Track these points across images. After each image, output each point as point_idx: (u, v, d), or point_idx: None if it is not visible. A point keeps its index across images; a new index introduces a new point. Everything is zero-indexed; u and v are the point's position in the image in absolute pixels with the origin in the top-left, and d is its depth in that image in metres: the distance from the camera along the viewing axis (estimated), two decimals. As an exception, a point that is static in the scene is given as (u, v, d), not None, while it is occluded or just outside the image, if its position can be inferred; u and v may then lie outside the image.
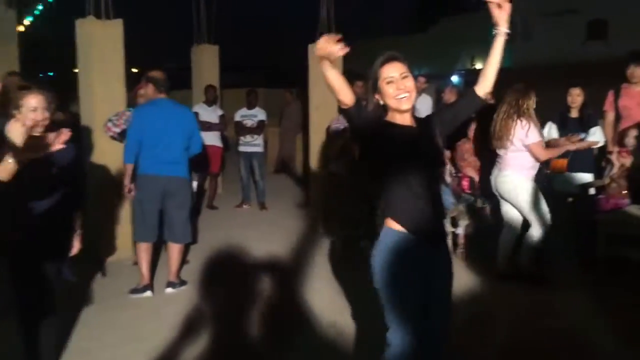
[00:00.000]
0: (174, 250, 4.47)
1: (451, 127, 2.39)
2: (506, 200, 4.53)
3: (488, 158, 4.83)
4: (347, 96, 2.14)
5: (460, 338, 3.38)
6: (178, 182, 4.38)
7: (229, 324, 3.78)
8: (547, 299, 4.18)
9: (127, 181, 4.26)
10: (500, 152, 4.46)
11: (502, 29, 2.21)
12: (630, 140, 4.94)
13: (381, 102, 2.28)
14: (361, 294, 4.26)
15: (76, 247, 2.99)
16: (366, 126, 2.24)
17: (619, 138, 5.18)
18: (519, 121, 4.30)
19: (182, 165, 4.39)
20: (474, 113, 2.53)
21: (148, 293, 4.33)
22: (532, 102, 4.38)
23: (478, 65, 37.89)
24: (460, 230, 5.22)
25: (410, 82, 2.24)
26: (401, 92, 2.22)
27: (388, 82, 2.23)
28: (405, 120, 2.29)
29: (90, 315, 3.92)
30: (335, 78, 2.11)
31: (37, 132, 2.59)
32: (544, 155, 4.39)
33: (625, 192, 4.79)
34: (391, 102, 2.24)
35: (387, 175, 2.29)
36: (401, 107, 2.24)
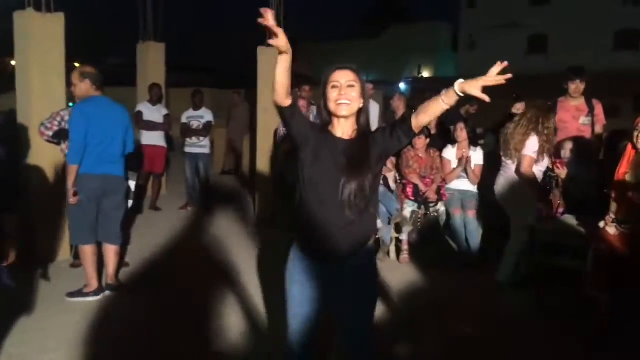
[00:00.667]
0: (112, 251, 4.35)
1: (386, 155, 2.37)
2: (505, 207, 4.67)
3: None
4: (285, 94, 2.17)
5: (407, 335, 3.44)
6: (116, 182, 4.27)
7: (167, 328, 3.70)
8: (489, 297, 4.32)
9: (72, 184, 4.00)
10: (508, 161, 4.58)
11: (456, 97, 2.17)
12: (565, 153, 5.14)
13: (327, 107, 2.30)
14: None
15: (11, 255, 2.80)
16: (298, 129, 2.26)
17: (555, 150, 5.39)
18: (532, 137, 4.41)
19: (120, 164, 4.29)
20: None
21: (99, 296, 4.20)
22: (551, 124, 4.50)
23: (425, 74, 38.76)
24: (404, 236, 5.31)
25: (354, 93, 2.25)
26: (342, 98, 2.23)
27: (333, 87, 2.26)
28: (344, 131, 2.30)
29: (26, 319, 3.77)
30: (284, 73, 2.13)
31: None
32: (526, 173, 4.45)
33: (560, 202, 4.98)
34: (331, 106, 2.26)
35: (303, 184, 2.29)
36: (338, 112, 2.25)
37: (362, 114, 2.32)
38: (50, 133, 4.64)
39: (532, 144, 4.45)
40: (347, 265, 2.31)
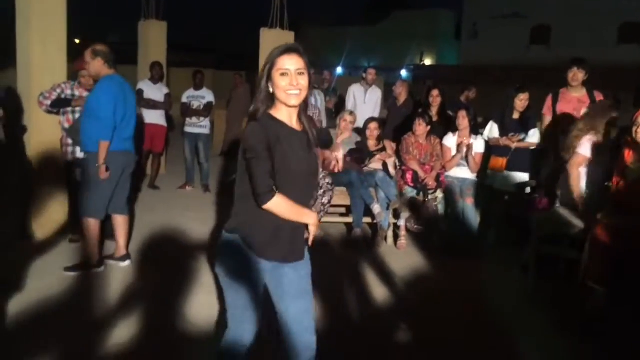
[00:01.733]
0: (122, 222, 4.45)
1: None
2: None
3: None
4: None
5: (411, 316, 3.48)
6: (132, 158, 4.43)
7: (164, 305, 3.72)
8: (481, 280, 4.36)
9: (103, 159, 4.06)
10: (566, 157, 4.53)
11: None
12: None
13: (271, 91, 2.18)
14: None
15: None
16: (266, 148, 2.15)
17: (554, 138, 5.39)
18: (589, 136, 4.37)
19: (133, 141, 4.42)
20: None
21: (102, 268, 4.28)
22: (610, 128, 4.41)
23: (427, 62, 38.63)
24: (401, 222, 5.32)
25: (304, 80, 2.15)
26: (293, 88, 2.13)
27: (282, 74, 2.13)
28: (290, 119, 2.22)
29: (27, 292, 3.80)
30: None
31: None
32: (571, 171, 4.38)
33: (558, 192, 4.99)
34: (280, 95, 2.15)
35: (281, 178, 2.18)
36: (289, 102, 2.15)
37: (305, 100, 2.23)
38: (49, 102, 4.65)
39: (586, 143, 4.37)
40: (285, 266, 2.26)
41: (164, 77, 7.56)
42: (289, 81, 2.12)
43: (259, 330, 2.34)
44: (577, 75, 5.37)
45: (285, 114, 2.21)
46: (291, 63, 2.13)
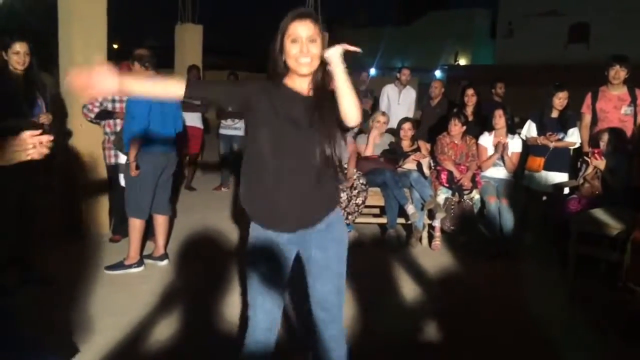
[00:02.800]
0: (162, 222, 4.55)
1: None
2: None
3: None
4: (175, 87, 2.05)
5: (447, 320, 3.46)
6: (173, 158, 4.52)
7: (202, 305, 3.78)
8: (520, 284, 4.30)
9: (134, 157, 4.18)
10: None
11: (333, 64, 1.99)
12: (604, 143, 5.03)
13: (283, 59, 2.10)
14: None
15: None
16: (236, 101, 2.13)
17: (594, 139, 5.28)
18: None
19: (175, 142, 4.52)
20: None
21: (142, 267, 4.39)
22: None
23: (461, 62, 38.19)
24: (436, 223, 5.29)
25: (316, 49, 2.05)
26: (303, 56, 2.04)
27: (293, 41, 2.04)
28: (302, 87, 2.12)
29: (65, 290, 3.90)
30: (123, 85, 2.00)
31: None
32: None
33: (598, 192, 4.89)
34: (290, 62, 2.07)
35: (255, 144, 2.11)
36: (299, 70, 2.07)
37: (319, 68, 2.10)
38: (92, 115, 4.82)
39: None
40: (313, 233, 2.20)
41: (200, 79, 7.68)
42: (300, 48, 2.05)
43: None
44: (619, 73, 5.25)
45: (297, 84, 2.14)
46: (303, 29, 2.04)
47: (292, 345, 3.20)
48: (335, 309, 2.30)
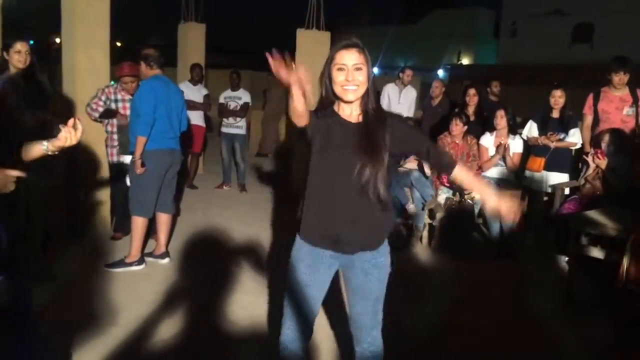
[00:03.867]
0: (167, 220, 4.59)
1: (401, 152, 2.32)
2: None
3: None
4: (305, 119, 2.05)
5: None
6: (178, 156, 4.55)
7: (204, 303, 3.80)
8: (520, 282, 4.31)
9: (139, 155, 4.20)
10: None
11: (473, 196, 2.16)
12: (606, 143, 5.03)
13: (331, 88, 2.18)
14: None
15: None
16: (314, 131, 2.15)
17: (596, 140, 5.29)
18: None
19: (178, 139, 4.54)
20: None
21: (143, 265, 4.41)
22: None
23: (464, 61, 38.15)
24: (436, 222, 5.30)
25: (362, 76, 2.13)
26: (349, 84, 2.12)
27: (339, 69, 2.13)
28: (350, 114, 2.21)
29: (66, 287, 3.92)
30: (302, 106, 1.94)
31: None
32: None
33: (599, 193, 4.90)
34: (337, 90, 2.16)
35: (315, 169, 2.21)
36: (345, 97, 2.15)
37: (367, 94, 2.18)
38: (97, 114, 4.84)
39: None
40: (358, 258, 2.27)
41: (203, 79, 7.70)
42: (345, 76, 2.12)
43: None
44: (622, 79, 5.29)
45: (345, 111, 2.21)
46: (349, 58, 2.12)
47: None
48: (372, 330, 2.39)
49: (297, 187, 2.41)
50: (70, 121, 2.17)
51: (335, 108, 2.22)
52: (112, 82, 5.07)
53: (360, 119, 2.20)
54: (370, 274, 2.29)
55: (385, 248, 2.34)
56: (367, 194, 2.15)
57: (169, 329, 3.40)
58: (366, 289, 2.31)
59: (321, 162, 2.18)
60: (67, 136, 2.17)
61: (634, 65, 5.33)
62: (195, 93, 7.21)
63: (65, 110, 5.01)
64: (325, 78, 2.18)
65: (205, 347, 3.24)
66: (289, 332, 2.37)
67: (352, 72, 2.12)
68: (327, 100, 2.21)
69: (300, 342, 2.37)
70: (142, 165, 4.23)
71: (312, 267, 2.29)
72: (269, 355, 2.62)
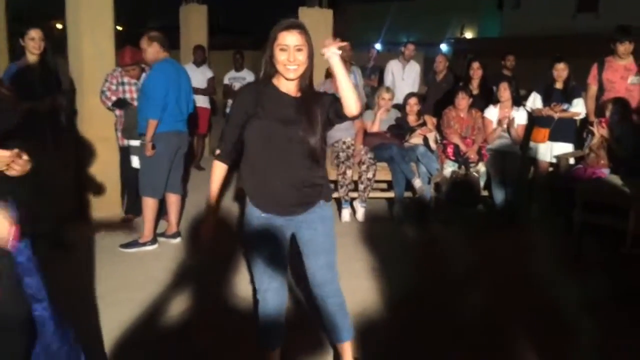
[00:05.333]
0: (177, 201, 4.67)
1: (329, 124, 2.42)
2: None
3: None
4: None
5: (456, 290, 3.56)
6: (186, 138, 4.62)
7: (214, 281, 3.89)
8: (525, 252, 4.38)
9: (150, 137, 4.26)
10: None
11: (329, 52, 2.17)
12: (610, 112, 5.04)
13: (273, 63, 2.31)
14: (346, 256, 4.42)
15: None
16: (243, 109, 2.34)
17: (600, 109, 5.30)
18: None
19: (186, 121, 4.59)
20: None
21: (156, 245, 4.51)
22: None
23: (468, 35, 37.78)
24: (442, 195, 5.35)
25: (302, 56, 2.25)
26: (291, 64, 2.25)
27: (281, 49, 2.25)
28: (289, 88, 2.34)
29: (81, 268, 4.02)
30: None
31: None
32: None
33: (603, 162, 4.93)
34: (279, 68, 2.28)
35: (248, 141, 2.35)
36: (287, 75, 2.28)
37: (306, 73, 2.32)
38: (109, 103, 4.93)
39: None
40: (304, 215, 2.42)
41: (206, 60, 7.72)
42: (287, 56, 2.24)
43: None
44: (628, 48, 5.27)
45: (284, 85, 2.34)
46: (291, 39, 2.24)
47: (300, 318, 3.31)
48: (330, 284, 2.53)
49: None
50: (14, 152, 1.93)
51: (275, 82, 2.35)
52: (117, 68, 5.10)
53: (299, 94, 2.35)
54: (315, 229, 2.45)
55: (326, 204, 2.49)
56: (305, 160, 2.33)
57: (180, 306, 3.50)
58: (315, 243, 2.46)
59: (259, 133, 2.32)
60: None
61: (637, 33, 5.31)
62: (199, 75, 7.24)
63: (75, 95, 5.09)
64: (267, 56, 2.31)
65: (216, 323, 3.33)
66: (265, 302, 2.53)
67: (293, 52, 2.24)
68: (267, 74, 2.34)
69: (279, 308, 2.54)
70: (153, 147, 4.28)
71: (268, 238, 2.45)
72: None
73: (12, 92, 2.33)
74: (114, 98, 4.89)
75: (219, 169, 2.47)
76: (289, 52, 2.23)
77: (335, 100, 2.31)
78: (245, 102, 2.34)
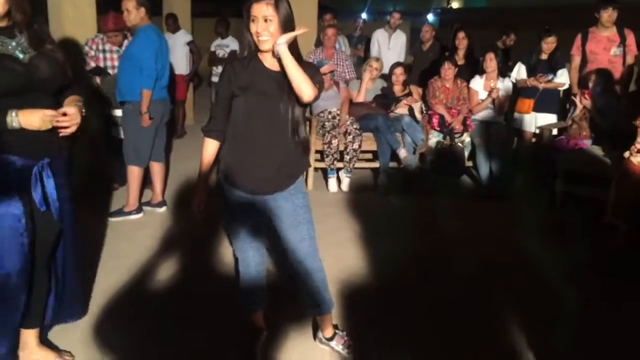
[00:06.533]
0: (161, 169, 4.65)
1: None
2: None
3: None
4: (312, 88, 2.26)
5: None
6: (168, 105, 4.58)
7: (200, 248, 3.91)
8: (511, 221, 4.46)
9: (145, 107, 4.20)
10: None
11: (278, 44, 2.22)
12: (593, 84, 5.09)
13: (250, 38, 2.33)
14: (331, 225, 4.45)
15: None
16: (229, 86, 2.35)
17: (583, 80, 5.34)
18: None
19: (167, 88, 4.54)
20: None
21: (141, 214, 4.51)
22: None
23: (454, 5, 37.52)
24: (427, 166, 5.39)
25: (272, 27, 2.24)
26: (261, 35, 2.25)
27: (252, 20, 2.26)
28: (273, 63, 2.33)
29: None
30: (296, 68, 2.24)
31: None
32: None
33: (585, 133, 4.99)
34: (255, 40, 2.30)
35: (232, 117, 2.38)
36: (261, 46, 2.28)
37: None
38: (86, 69, 4.82)
39: None
40: (279, 199, 2.45)
41: (180, 27, 7.51)
42: (256, 28, 2.25)
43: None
44: (612, 15, 5.27)
45: (268, 59, 2.35)
46: (259, 10, 2.24)
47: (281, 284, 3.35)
48: (312, 256, 2.53)
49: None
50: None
51: (260, 56, 2.36)
52: (98, 34, 5.00)
53: (280, 68, 2.32)
54: (294, 201, 2.46)
55: (301, 178, 2.53)
56: (286, 134, 2.36)
57: (167, 273, 3.52)
58: (296, 215, 2.47)
59: (241, 109, 2.34)
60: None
61: (620, 3, 5.32)
62: (178, 41, 7.12)
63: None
64: (246, 30, 2.31)
65: (203, 290, 3.36)
66: (246, 262, 2.61)
67: (261, 23, 2.24)
68: (252, 50, 2.36)
69: (260, 267, 2.63)
70: (150, 118, 4.26)
71: (246, 209, 2.48)
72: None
73: (59, 50, 2.42)
74: (92, 64, 4.81)
75: (211, 146, 2.47)
76: (258, 22, 2.24)
77: (314, 74, 2.34)
78: (229, 80, 2.34)
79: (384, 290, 3.42)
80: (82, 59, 4.79)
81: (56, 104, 2.34)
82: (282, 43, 2.21)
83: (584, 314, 3.21)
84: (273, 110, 2.32)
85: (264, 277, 2.68)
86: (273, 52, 2.26)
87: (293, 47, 2.30)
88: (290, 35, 2.23)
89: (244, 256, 2.60)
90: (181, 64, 7.21)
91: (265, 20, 2.23)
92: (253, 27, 2.26)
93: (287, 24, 2.27)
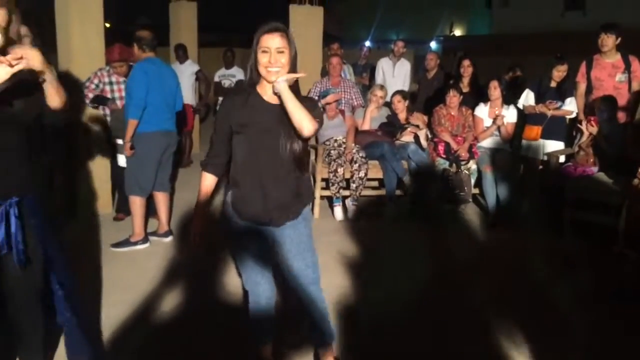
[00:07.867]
0: (165, 199, 4.64)
1: None
2: None
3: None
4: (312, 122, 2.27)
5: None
6: (174, 136, 4.58)
7: (207, 279, 3.88)
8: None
9: (129, 137, 4.23)
10: None
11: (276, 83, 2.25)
12: (600, 111, 5.08)
13: (256, 69, 2.34)
14: (336, 253, 4.42)
15: None
16: (227, 121, 2.38)
17: (589, 107, 5.34)
18: None
19: (174, 119, 4.56)
20: None
21: (147, 244, 4.49)
22: None
23: (457, 32, 37.89)
24: (433, 193, 5.37)
25: (284, 59, 2.28)
26: (272, 66, 2.27)
27: (263, 52, 2.28)
28: (273, 96, 2.34)
29: (72, 268, 3.97)
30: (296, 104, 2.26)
31: None
32: None
33: (592, 160, 4.97)
34: (261, 71, 2.31)
35: (234, 153, 2.40)
36: (269, 78, 2.29)
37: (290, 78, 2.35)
38: (87, 101, 4.87)
39: None
40: (285, 228, 2.44)
41: (188, 57, 7.60)
42: (269, 59, 2.27)
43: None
44: (605, 40, 5.28)
45: (268, 91, 2.35)
46: (273, 42, 2.26)
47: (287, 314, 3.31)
48: (314, 284, 2.52)
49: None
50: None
51: (259, 89, 2.38)
52: (107, 67, 5.06)
53: (279, 100, 2.32)
54: (300, 230, 2.46)
55: (306, 216, 2.51)
56: (290, 168, 2.37)
57: (174, 304, 3.49)
58: (300, 242, 2.46)
59: (243, 145, 2.36)
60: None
61: (621, 30, 5.34)
62: (186, 71, 7.19)
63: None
64: (251, 62, 2.34)
65: (208, 320, 3.33)
66: (256, 295, 2.60)
67: (274, 54, 2.26)
68: (252, 80, 2.38)
69: (269, 300, 2.62)
70: (132, 148, 4.25)
71: (253, 239, 2.48)
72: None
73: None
74: (90, 95, 4.84)
75: (208, 180, 2.48)
76: (271, 54, 2.26)
77: (313, 108, 2.35)
78: (228, 115, 2.36)
79: (390, 321, 3.37)
80: (81, 90, 4.83)
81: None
82: (282, 81, 2.24)
83: (593, 340, 3.15)
84: (274, 145, 2.33)
85: (273, 309, 2.66)
86: (273, 89, 2.28)
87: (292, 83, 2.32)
88: (291, 77, 2.28)
89: (255, 289, 2.59)
90: (188, 94, 7.27)
91: (278, 52, 2.26)
92: (264, 58, 2.27)
93: (295, 57, 2.32)
